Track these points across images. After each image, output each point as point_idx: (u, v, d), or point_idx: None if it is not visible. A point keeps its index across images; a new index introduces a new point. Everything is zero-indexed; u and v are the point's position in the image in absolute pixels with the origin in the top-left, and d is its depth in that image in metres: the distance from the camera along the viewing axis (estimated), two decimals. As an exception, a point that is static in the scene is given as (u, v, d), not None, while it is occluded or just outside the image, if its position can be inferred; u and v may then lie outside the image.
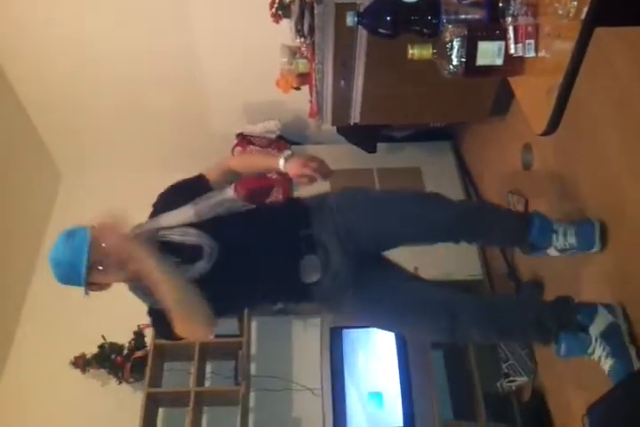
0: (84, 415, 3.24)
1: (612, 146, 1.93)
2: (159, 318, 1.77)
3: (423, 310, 1.98)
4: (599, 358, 1.86)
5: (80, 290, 1.75)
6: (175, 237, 1.84)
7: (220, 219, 1.93)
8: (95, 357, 3.28)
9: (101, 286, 1.81)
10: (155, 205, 2.04)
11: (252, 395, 3.25)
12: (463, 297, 2.05)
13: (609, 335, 1.86)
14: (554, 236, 2.06)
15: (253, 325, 3.50)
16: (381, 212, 2.06)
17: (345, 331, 2.92)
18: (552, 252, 2.09)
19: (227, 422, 3.13)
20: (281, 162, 2.00)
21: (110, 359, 3.25)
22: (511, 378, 2.71)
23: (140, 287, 1.81)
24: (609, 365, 1.82)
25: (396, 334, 2.88)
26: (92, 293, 1.78)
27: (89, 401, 3.28)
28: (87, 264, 1.69)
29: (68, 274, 1.72)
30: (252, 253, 1.88)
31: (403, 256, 3.40)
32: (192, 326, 1.76)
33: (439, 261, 3.34)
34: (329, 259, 1.93)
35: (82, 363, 3.27)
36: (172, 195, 2.05)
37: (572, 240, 2.02)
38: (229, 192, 2.00)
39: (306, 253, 1.91)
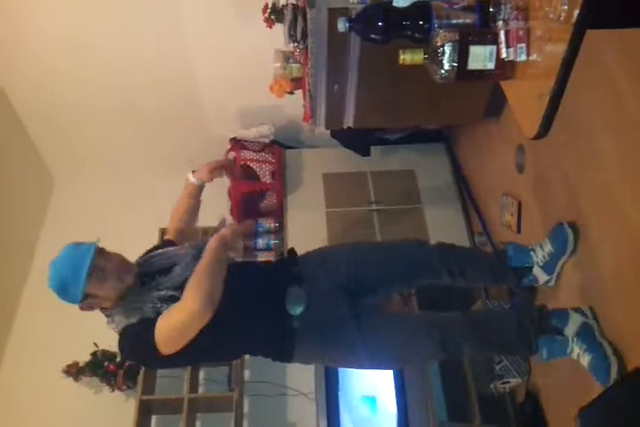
0: (78, 424, 3.22)
1: (605, 148, 1.94)
2: (140, 335, 1.78)
3: (413, 331, 2.05)
4: (578, 355, 1.98)
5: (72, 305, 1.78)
6: (164, 260, 1.99)
7: None
8: (88, 364, 3.26)
9: (90, 304, 1.84)
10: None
11: (245, 401, 3.24)
12: (448, 315, 2.13)
13: (583, 334, 1.99)
14: (532, 253, 2.20)
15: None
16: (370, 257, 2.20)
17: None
18: (539, 272, 2.20)
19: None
20: (190, 177, 2.25)
21: (103, 367, 3.23)
22: (505, 380, 2.71)
23: (122, 305, 1.84)
24: (587, 360, 1.94)
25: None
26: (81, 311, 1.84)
27: (82, 409, 3.26)
28: (91, 266, 1.75)
29: (68, 277, 1.76)
30: (240, 302, 1.90)
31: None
32: (203, 302, 1.73)
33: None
34: (314, 289, 2.01)
35: (74, 371, 3.26)
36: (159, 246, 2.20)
37: (547, 248, 2.16)
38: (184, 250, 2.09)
39: (290, 285, 2.00)
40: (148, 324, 1.76)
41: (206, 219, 3.72)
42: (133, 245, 3.70)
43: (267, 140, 3.92)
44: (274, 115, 3.91)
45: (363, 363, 2.09)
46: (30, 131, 4.02)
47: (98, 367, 3.25)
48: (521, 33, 1.26)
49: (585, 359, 1.95)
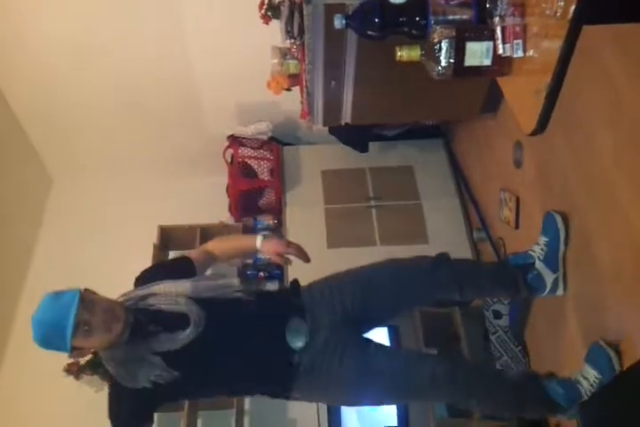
0: (79, 422, 3.22)
1: (602, 143, 1.94)
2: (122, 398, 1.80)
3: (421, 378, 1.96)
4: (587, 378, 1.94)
5: (60, 353, 1.73)
6: (163, 305, 1.81)
7: (215, 301, 1.88)
8: (88, 363, 3.26)
9: (81, 353, 1.77)
10: (138, 279, 1.98)
11: (246, 398, 3.25)
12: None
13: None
14: (530, 252, 2.21)
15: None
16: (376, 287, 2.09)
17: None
18: (542, 267, 2.18)
19: (222, 424, 3.12)
20: (258, 241, 2.00)
21: (103, 365, 3.23)
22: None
23: (113, 357, 1.79)
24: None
25: (389, 333, 2.89)
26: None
27: (83, 408, 3.26)
28: (74, 322, 1.63)
29: (51, 334, 1.66)
30: (239, 337, 1.85)
31: (397, 256, 3.42)
32: None
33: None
34: (316, 322, 1.93)
35: (75, 370, 3.25)
36: (157, 272, 2.00)
37: (543, 239, 2.17)
38: (234, 282, 1.97)
39: (292, 316, 1.91)
40: (139, 399, 1.77)
41: (204, 217, 3.77)
42: (132, 244, 3.74)
43: (265, 137, 3.91)
44: (271, 112, 3.90)
45: (363, 401, 2.08)
46: (28, 131, 4.01)
47: (98, 366, 3.24)
48: (517, 29, 1.26)
49: (591, 373, 1.93)
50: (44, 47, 3.50)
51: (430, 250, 3.37)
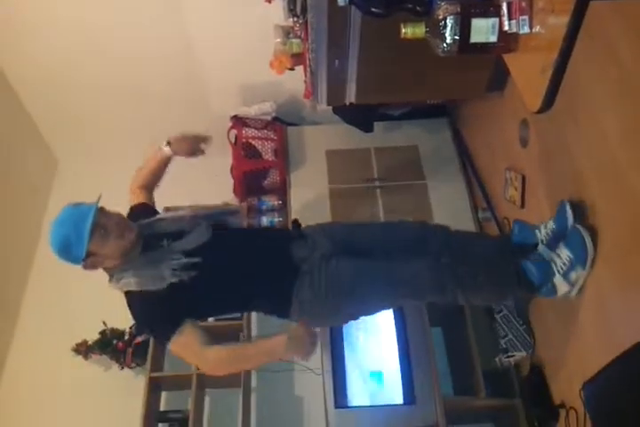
0: (88, 401, 3.26)
1: (608, 121, 1.92)
2: (157, 308, 1.87)
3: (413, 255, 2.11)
4: (559, 256, 2.03)
5: (76, 267, 1.82)
6: (170, 225, 2.02)
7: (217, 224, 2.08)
8: (97, 343, 3.30)
9: (93, 263, 1.86)
10: (130, 215, 2.16)
11: (253, 376, 3.28)
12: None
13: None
14: (536, 231, 2.18)
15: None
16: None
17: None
18: (543, 249, 2.14)
19: (229, 403, 3.16)
20: (166, 149, 2.33)
21: (112, 345, 3.27)
22: (510, 353, 2.73)
23: (132, 266, 1.88)
24: (566, 251, 2.01)
25: (394, 313, 2.90)
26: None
27: (92, 387, 3.31)
28: (93, 223, 1.76)
29: (70, 234, 1.77)
30: (247, 246, 2.04)
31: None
32: (222, 372, 1.98)
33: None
34: (316, 244, 2.09)
35: (84, 349, 3.29)
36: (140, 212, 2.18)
37: (550, 225, 2.13)
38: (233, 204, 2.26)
39: (295, 238, 2.11)
40: (168, 299, 1.83)
41: (210, 198, 3.76)
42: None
43: (268, 118, 3.90)
44: (275, 91, 3.88)
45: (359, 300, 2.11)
46: (32, 113, 4.00)
47: (107, 346, 3.28)
48: (523, 5, 1.24)
49: (563, 250, 2.02)
50: (46, 27, 3.47)
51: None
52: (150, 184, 2.34)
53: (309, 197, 3.63)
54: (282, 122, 3.99)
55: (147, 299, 1.84)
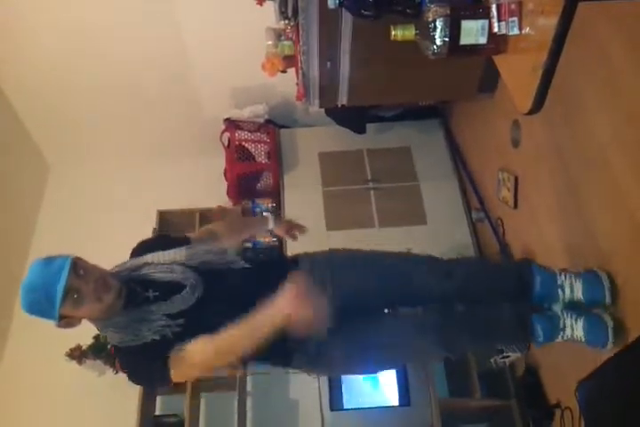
0: (83, 406, 3.25)
1: (599, 121, 1.93)
2: (138, 359, 1.70)
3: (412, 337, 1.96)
4: (571, 327, 1.92)
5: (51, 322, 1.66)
6: (157, 274, 1.76)
7: (213, 267, 1.82)
8: (91, 348, 3.28)
9: (70, 322, 1.68)
10: (134, 251, 1.93)
11: (248, 379, 3.27)
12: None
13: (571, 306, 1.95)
14: (558, 291, 1.99)
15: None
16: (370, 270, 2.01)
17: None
18: (559, 310, 2.01)
19: (225, 407, 3.15)
20: (271, 221, 2.11)
21: (106, 350, 3.25)
22: (505, 354, 2.73)
23: (112, 324, 1.72)
24: (581, 326, 1.91)
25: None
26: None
27: (87, 392, 3.29)
28: (65, 289, 1.57)
29: (40, 300, 1.59)
30: (237, 298, 1.75)
31: (395, 237, 3.43)
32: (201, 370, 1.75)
33: (431, 240, 3.37)
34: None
35: (78, 354, 3.27)
36: (153, 244, 1.94)
37: (579, 295, 1.96)
38: (230, 248, 1.95)
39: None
40: (152, 349, 1.66)
41: (203, 201, 3.76)
42: (131, 230, 3.73)
43: (261, 120, 3.89)
44: (267, 94, 3.88)
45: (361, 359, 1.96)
46: (24, 118, 3.98)
47: (100, 350, 3.26)
48: (513, 6, 1.24)
49: (579, 327, 1.91)
50: (42, 36, 3.47)
51: (429, 231, 3.43)
52: (225, 233, 2.06)
53: (303, 199, 3.63)
54: (274, 124, 3.99)
55: (131, 352, 1.72)
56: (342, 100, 2.95)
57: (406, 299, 2.04)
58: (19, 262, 3.80)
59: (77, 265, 1.63)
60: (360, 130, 3.75)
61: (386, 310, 2.08)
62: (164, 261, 1.79)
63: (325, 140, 3.90)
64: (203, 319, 1.68)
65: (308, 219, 3.48)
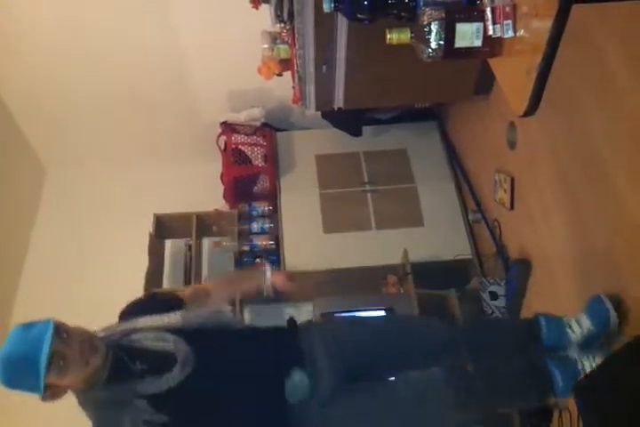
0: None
1: (595, 121, 1.93)
2: None
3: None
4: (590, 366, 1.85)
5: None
6: (148, 342, 1.62)
7: (207, 332, 1.70)
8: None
9: (55, 393, 1.53)
10: (123, 313, 1.77)
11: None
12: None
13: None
14: (568, 331, 1.90)
15: (246, 312, 3.51)
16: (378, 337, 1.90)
17: (336, 316, 2.93)
18: (574, 350, 1.91)
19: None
20: (268, 274, 1.91)
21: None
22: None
23: (92, 400, 1.59)
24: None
25: (385, 311, 2.92)
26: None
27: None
28: (49, 355, 1.43)
29: (22, 370, 1.44)
30: (232, 373, 1.65)
31: (392, 239, 3.44)
32: None
33: (428, 241, 3.39)
34: (317, 372, 1.73)
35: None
36: (143, 306, 1.79)
37: (587, 326, 1.88)
38: (226, 308, 1.84)
39: (292, 365, 1.71)
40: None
41: (200, 204, 3.76)
42: (128, 234, 3.74)
43: (257, 124, 3.90)
44: (263, 97, 3.88)
45: None
46: (20, 122, 3.98)
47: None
48: (507, 9, 1.25)
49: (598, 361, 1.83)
50: (36, 37, 3.46)
51: (426, 232, 3.43)
52: (218, 291, 1.94)
53: (300, 202, 3.63)
54: (271, 128, 3.99)
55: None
56: (338, 103, 2.96)
57: (414, 364, 1.93)
58: (16, 268, 3.82)
59: (60, 328, 1.49)
60: (356, 133, 3.76)
61: (392, 378, 1.96)
62: (157, 327, 1.66)
63: (322, 143, 3.91)
64: (192, 399, 1.59)
65: (306, 222, 3.54)
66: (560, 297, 2.33)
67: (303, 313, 3.42)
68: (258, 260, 3.59)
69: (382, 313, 2.99)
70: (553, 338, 1.89)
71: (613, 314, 1.85)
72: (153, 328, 1.65)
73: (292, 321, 1.88)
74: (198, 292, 1.92)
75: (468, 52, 1.34)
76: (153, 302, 1.87)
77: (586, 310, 1.92)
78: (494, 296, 2.81)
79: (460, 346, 1.86)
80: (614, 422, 1.53)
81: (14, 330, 1.50)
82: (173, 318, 1.67)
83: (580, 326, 1.89)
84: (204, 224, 3.71)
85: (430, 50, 1.33)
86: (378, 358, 1.84)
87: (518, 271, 2.66)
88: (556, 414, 2.39)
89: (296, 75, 2.80)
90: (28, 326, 1.50)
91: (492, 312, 2.80)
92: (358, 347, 1.82)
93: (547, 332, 1.89)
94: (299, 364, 1.71)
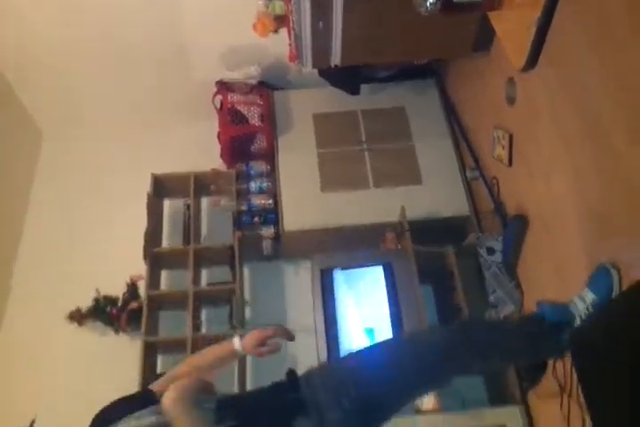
0: (85, 366, 3.31)
1: (594, 77, 1.92)
2: None
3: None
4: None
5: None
6: None
7: None
8: (90, 310, 3.33)
9: None
10: (95, 421, 1.62)
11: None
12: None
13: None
14: (571, 308, 1.93)
15: (245, 270, 3.55)
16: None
17: (335, 271, 2.98)
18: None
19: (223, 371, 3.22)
20: (236, 342, 1.77)
21: (106, 312, 3.30)
22: (499, 308, 2.79)
23: None
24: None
25: (384, 271, 2.96)
26: None
27: (88, 353, 3.34)
28: None
29: None
30: None
31: (390, 197, 3.46)
32: None
33: (426, 199, 3.41)
34: (325, 419, 1.67)
35: (78, 317, 3.32)
36: (116, 410, 1.64)
37: (590, 296, 1.91)
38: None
39: (294, 418, 1.65)
40: None
41: (198, 164, 3.76)
42: (126, 194, 3.75)
43: (254, 82, 3.85)
44: (259, 55, 3.82)
45: None
46: (12, 81, 3.93)
47: (100, 313, 3.32)
48: (507, -39, 1.24)
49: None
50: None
51: (424, 190, 3.45)
52: (193, 372, 1.80)
53: (298, 161, 3.63)
54: (267, 86, 3.95)
55: None
56: (336, 60, 2.92)
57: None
58: (16, 226, 3.83)
59: None
60: (354, 91, 3.73)
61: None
62: None
63: (319, 102, 3.88)
64: None
65: (303, 181, 3.54)
66: (557, 252, 2.36)
67: (302, 270, 3.49)
68: (256, 219, 3.60)
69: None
70: (557, 321, 1.90)
71: (617, 284, 1.86)
72: None
73: (291, 372, 1.82)
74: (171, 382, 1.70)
75: (468, 6, 1.33)
76: (123, 404, 1.69)
77: (590, 284, 1.93)
78: (491, 251, 2.84)
79: (463, 350, 1.82)
80: (611, 370, 1.55)
81: None
82: (148, 420, 1.54)
83: (583, 301, 1.91)
84: (201, 184, 3.71)
85: (428, 3, 1.33)
86: (385, 394, 1.77)
87: (516, 227, 2.69)
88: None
89: (292, 32, 2.77)
90: None
91: (489, 267, 2.84)
92: (361, 386, 1.74)
93: (550, 315, 1.91)
94: (301, 414, 1.67)
